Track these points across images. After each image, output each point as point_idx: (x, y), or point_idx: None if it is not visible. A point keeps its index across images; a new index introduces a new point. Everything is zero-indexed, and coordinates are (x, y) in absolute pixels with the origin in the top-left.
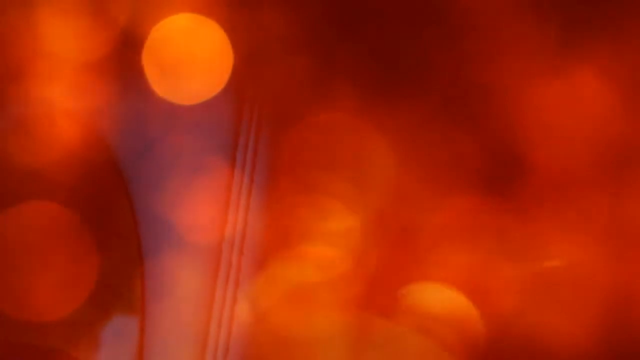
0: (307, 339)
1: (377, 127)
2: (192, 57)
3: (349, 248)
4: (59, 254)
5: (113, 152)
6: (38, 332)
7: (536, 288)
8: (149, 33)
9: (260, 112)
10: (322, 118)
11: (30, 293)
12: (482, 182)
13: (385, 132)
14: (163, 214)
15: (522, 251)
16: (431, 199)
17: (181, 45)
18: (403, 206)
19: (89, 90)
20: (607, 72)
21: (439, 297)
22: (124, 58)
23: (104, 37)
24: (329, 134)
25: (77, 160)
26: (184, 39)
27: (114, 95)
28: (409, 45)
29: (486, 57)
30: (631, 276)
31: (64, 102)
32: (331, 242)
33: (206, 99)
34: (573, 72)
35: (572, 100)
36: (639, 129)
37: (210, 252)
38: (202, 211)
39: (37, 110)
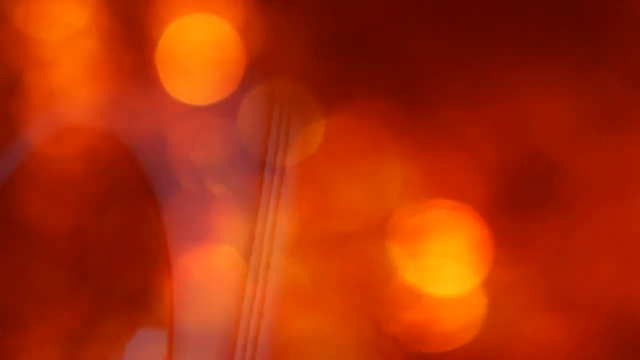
0: (333, 344)
1: (397, 130)
2: (206, 57)
3: (370, 251)
4: (85, 264)
5: (139, 160)
6: (63, 348)
7: (537, 290)
8: (164, 32)
9: (285, 113)
10: (340, 120)
11: (56, 306)
12: (501, 186)
13: (404, 135)
14: (191, 221)
15: (527, 253)
16: (447, 202)
17: (195, 45)
18: (418, 209)
19: (111, 94)
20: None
21: (440, 298)
22: (142, 58)
23: (125, 36)
24: (348, 136)
25: (102, 169)
26: (199, 38)
27: (137, 100)
28: (428, 48)
29: (507, 60)
30: (634, 281)
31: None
32: (357, 245)
33: (230, 100)
34: (590, 72)
35: (590, 103)
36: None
37: (240, 256)
38: (231, 215)
39: (62, 116)
